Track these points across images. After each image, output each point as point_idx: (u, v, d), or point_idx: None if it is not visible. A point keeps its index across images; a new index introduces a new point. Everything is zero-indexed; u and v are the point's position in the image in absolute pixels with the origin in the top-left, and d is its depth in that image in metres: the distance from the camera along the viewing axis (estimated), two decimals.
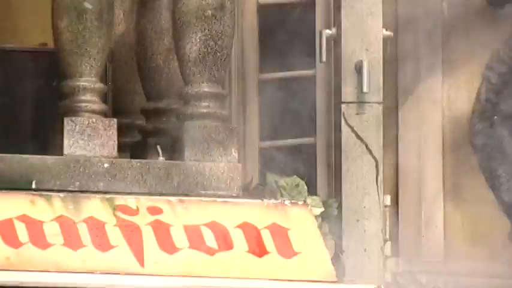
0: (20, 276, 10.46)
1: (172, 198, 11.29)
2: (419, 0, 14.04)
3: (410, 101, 13.78)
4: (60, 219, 10.89)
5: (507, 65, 13.78)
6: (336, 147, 13.10)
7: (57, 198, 11.03)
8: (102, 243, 10.94)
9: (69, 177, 11.08)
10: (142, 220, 11.07)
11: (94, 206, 11.24)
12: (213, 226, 11.40)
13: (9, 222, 10.76)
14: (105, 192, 11.12)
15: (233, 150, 12.09)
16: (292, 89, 13.89)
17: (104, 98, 11.95)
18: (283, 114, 13.93)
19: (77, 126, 11.32)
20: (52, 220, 10.79)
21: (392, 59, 13.17)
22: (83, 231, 10.92)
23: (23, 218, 10.88)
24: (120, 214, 10.95)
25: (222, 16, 11.93)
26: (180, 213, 11.34)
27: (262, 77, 13.97)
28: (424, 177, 13.99)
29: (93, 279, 10.54)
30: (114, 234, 10.97)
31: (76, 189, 10.98)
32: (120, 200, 11.12)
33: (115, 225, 11.01)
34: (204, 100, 11.61)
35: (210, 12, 11.72)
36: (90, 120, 11.45)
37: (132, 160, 11.62)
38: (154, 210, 11.37)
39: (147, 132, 12.43)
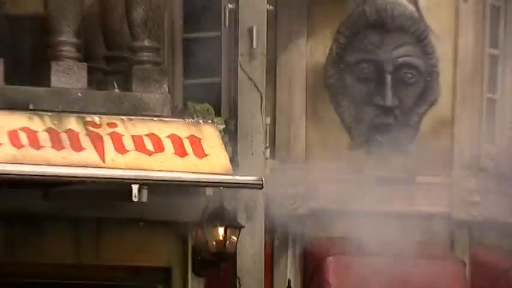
0: (22, 167, 11.54)
1: (124, 117, 12.14)
2: None
3: (284, 54, 14.49)
4: (49, 130, 11.97)
5: (350, 30, 14.53)
6: (234, 85, 14.13)
7: (46, 116, 11.95)
8: (77, 147, 11.82)
9: (55, 102, 12.11)
10: (104, 131, 11.98)
11: (71, 122, 12.16)
12: (151, 136, 12.21)
13: (14, 132, 11.78)
14: (79, 113, 11.97)
15: (165, 85, 12.74)
16: (206, 45, 14.43)
17: (79, 49, 12.69)
18: (198, 62, 14.23)
19: (60, 67, 12.27)
20: (43, 131, 11.79)
21: (273, 26, 14.31)
22: (64, 138, 11.92)
23: (24, 129, 11.86)
24: (89, 127, 12.03)
25: None
26: (129, 127, 12.22)
27: (185, 36, 14.37)
28: (293, 106, 14.78)
29: (71, 170, 11.64)
30: (85, 141, 11.86)
31: (59, 110, 11.89)
32: (88, 117, 12.07)
33: (85, 135, 11.88)
34: (145, 51, 12.31)
35: None
36: (68, 64, 12.16)
37: (97, 91, 12.45)
38: (112, 125, 12.14)
39: (107, 72, 13.01)
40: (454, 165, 15.22)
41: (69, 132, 11.61)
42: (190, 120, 12.06)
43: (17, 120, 11.60)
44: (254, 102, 13.75)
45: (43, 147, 11.27)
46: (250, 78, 13.54)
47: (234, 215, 13.06)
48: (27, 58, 14.80)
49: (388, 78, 14.59)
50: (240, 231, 12.77)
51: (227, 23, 13.98)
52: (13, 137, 11.51)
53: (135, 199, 11.34)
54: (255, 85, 13.46)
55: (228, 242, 12.84)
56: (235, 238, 12.91)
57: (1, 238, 12.67)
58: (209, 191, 12.69)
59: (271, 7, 13.80)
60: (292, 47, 14.68)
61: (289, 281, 14.67)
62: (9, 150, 11.20)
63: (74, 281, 13.45)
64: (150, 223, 12.55)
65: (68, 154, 11.40)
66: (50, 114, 11.80)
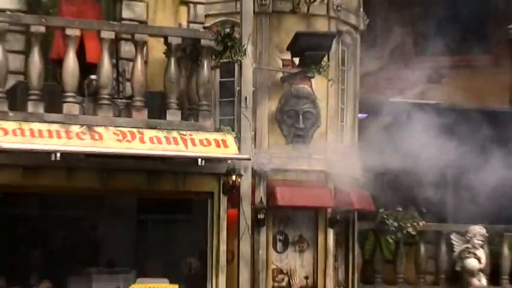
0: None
1: (195, 132, 16.38)
2: None
3: (261, 104, 19.30)
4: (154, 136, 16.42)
5: (285, 98, 19.03)
6: (238, 117, 17.76)
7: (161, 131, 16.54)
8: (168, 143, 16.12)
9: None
10: (179, 136, 16.33)
11: (174, 133, 16.20)
12: (205, 140, 16.37)
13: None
14: (179, 130, 16.21)
15: (212, 118, 17.04)
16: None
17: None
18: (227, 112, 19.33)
19: None
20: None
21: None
22: (163, 140, 16.23)
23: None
24: (177, 136, 16.33)
25: None
26: (195, 136, 16.52)
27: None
28: (263, 126, 18.99)
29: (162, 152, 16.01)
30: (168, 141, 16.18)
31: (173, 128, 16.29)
32: (179, 132, 16.45)
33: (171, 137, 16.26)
34: (205, 105, 16.74)
35: None
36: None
37: (184, 121, 16.67)
38: (185, 135, 16.27)
39: (190, 112, 16.95)
40: (327, 151, 19.25)
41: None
42: (222, 132, 16.59)
43: None
44: (246, 128, 17.57)
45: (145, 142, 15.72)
46: (245, 116, 17.55)
47: (238, 170, 16.99)
48: None
49: (300, 116, 18.95)
50: (241, 176, 17.04)
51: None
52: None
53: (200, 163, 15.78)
54: (248, 119, 17.55)
55: (236, 181, 16.75)
56: (239, 180, 16.87)
57: None
58: (230, 162, 16.73)
59: None
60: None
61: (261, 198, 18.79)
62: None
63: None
64: (205, 173, 16.66)
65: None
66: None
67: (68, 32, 15.93)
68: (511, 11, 22.80)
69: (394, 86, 24.11)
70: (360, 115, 20.98)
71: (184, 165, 16.69)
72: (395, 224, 21.12)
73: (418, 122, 20.82)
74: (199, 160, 16.02)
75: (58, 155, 14.79)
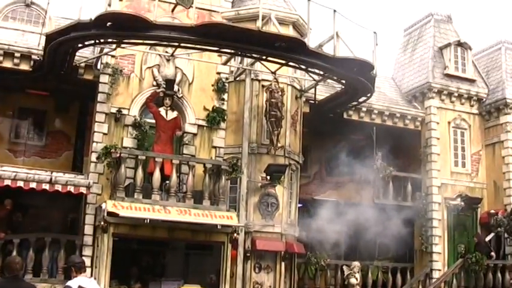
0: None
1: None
2: None
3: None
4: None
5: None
6: None
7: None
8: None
9: None
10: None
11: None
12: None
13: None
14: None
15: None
16: None
17: None
18: None
19: None
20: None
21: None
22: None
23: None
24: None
25: None
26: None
27: None
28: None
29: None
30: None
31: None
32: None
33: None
34: None
35: None
36: None
37: None
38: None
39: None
40: (282, 223, 18.96)
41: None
42: (230, 212, 17.52)
43: None
44: (242, 211, 18.32)
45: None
46: (242, 205, 18.36)
47: (237, 231, 17.56)
48: None
49: (269, 205, 18.85)
50: (238, 234, 17.71)
51: None
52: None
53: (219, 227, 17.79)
54: (243, 206, 18.43)
55: (236, 236, 17.51)
56: (237, 236, 17.58)
57: None
58: (233, 226, 17.18)
59: None
60: None
61: None
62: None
63: None
64: (221, 232, 17.04)
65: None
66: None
67: (156, 159, 17.36)
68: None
69: (317, 191, 24.46)
70: (299, 205, 20.99)
71: (210, 228, 17.26)
72: (315, 260, 21.34)
73: (326, 209, 21.46)
74: (218, 225, 17.05)
75: (148, 220, 16.10)
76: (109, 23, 15.51)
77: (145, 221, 16.15)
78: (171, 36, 16.18)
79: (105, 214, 16.31)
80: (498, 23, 52.46)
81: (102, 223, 16.51)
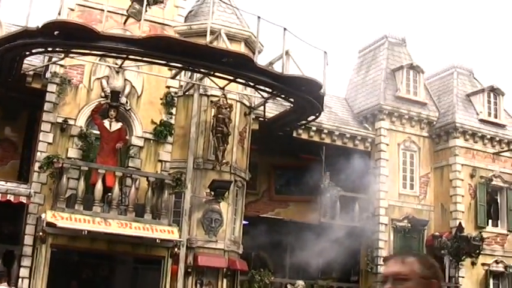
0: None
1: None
2: None
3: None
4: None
5: None
6: None
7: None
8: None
9: None
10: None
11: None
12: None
13: None
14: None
15: None
16: None
17: None
18: None
19: None
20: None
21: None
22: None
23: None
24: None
25: None
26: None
27: None
28: None
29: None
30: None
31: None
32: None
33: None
34: None
35: None
36: None
37: None
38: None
39: None
40: (226, 239, 19.21)
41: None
42: (171, 226, 17.77)
43: None
44: (184, 225, 18.62)
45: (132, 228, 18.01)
46: (185, 220, 18.39)
47: (179, 246, 17.98)
48: None
49: (213, 221, 19.09)
50: (180, 249, 18.13)
51: None
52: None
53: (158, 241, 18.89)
54: (186, 221, 18.54)
55: (177, 251, 17.87)
56: (178, 251, 17.93)
57: None
58: (174, 240, 17.70)
59: None
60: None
61: None
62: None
63: None
64: (161, 246, 17.64)
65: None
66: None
67: (99, 171, 17.52)
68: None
69: (265, 209, 24.78)
70: (244, 222, 21.24)
71: (151, 242, 17.37)
72: (259, 277, 21.61)
73: (272, 227, 21.94)
74: (157, 239, 17.20)
75: (86, 232, 16.16)
76: (56, 32, 15.64)
77: (83, 232, 16.27)
78: (118, 47, 16.45)
79: (44, 224, 16.41)
80: (452, 48, 53.52)
81: (40, 233, 16.59)
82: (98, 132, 18.55)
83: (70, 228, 16.50)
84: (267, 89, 18.83)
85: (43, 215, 16.85)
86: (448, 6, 54.29)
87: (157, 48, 16.48)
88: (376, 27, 45.09)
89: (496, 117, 26.24)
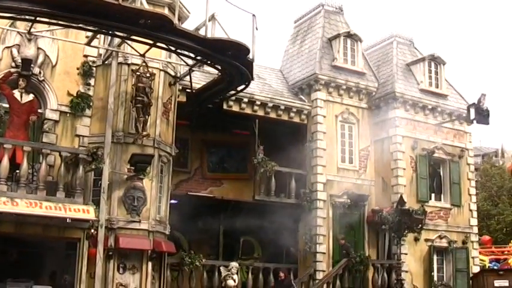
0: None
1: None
2: None
3: None
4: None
5: None
6: None
7: None
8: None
9: None
10: None
11: None
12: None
13: None
14: None
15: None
16: None
17: None
18: None
19: None
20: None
21: None
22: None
23: None
24: None
25: None
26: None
27: None
28: None
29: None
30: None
31: None
32: None
33: None
34: None
35: None
36: None
37: None
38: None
39: None
40: (150, 219, 18.06)
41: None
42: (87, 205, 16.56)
43: None
44: (103, 204, 17.26)
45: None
46: (103, 198, 17.00)
47: (96, 226, 16.76)
48: None
49: (135, 199, 17.79)
50: (97, 229, 16.82)
51: None
52: None
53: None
54: (104, 199, 17.31)
55: (93, 232, 16.71)
56: (95, 232, 16.66)
57: None
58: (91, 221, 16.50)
59: None
60: None
61: None
62: None
63: None
64: (77, 227, 16.64)
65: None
66: None
67: (5, 146, 16.11)
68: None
69: (197, 187, 23.82)
70: (172, 201, 20.18)
71: (64, 222, 16.16)
72: (189, 260, 20.49)
73: (203, 206, 20.99)
74: (68, 219, 15.94)
75: None
76: None
77: None
78: (21, 7, 14.80)
79: None
80: (391, 17, 52.70)
81: None
82: (8, 106, 17.09)
83: None
84: (190, 54, 17.53)
85: None
86: None
87: (66, 8, 14.85)
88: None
89: (437, 87, 25.61)
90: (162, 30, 15.77)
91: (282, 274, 22.10)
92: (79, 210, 16.31)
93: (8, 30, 17.59)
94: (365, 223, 23.78)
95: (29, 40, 17.99)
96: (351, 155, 24.09)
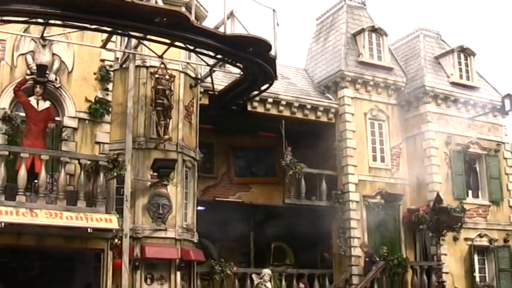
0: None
1: None
2: None
3: None
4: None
5: None
6: None
7: None
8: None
9: None
10: None
11: None
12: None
13: None
14: None
15: None
16: None
17: None
18: None
19: None
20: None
21: None
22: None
23: None
24: None
25: None
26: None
27: None
28: None
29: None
30: None
31: None
32: None
33: None
34: None
35: None
36: None
37: None
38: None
39: None
40: (176, 227, 17.32)
41: None
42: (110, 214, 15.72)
43: None
44: (126, 213, 16.42)
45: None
46: (126, 206, 16.27)
47: (120, 236, 15.90)
48: None
49: (160, 206, 17.08)
50: (121, 239, 15.85)
51: None
52: None
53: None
54: (127, 207, 16.37)
55: (117, 242, 15.76)
56: (119, 242, 15.78)
57: None
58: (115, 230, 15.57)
59: None
60: None
61: None
62: None
63: None
64: (100, 237, 15.71)
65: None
66: None
67: (22, 155, 15.40)
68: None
69: (225, 193, 23.13)
70: (199, 208, 19.51)
71: (87, 233, 15.30)
72: (220, 268, 19.62)
73: (231, 212, 20.35)
74: (89, 229, 15.15)
75: (2, 224, 14.06)
76: None
77: (1, 225, 14.11)
78: (32, 9, 14.13)
79: None
80: (415, 10, 51.50)
81: None
82: (24, 114, 16.48)
83: None
84: (210, 53, 16.72)
85: None
86: None
87: (79, 9, 14.21)
88: None
89: (468, 79, 24.52)
90: (178, 28, 15.02)
91: (302, 285, 21.28)
92: (101, 220, 15.54)
93: (21, 36, 17.23)
94: (401, 224, 22.80)
95: (44, 46, 17.50)
96: (382, 154, 23.16)
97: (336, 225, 22.35)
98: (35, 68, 17.19)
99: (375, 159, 22.96)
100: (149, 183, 17.60)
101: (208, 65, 18.55)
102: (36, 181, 15.59)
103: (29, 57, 17.37)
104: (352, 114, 22.73)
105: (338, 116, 22.81)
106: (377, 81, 23.35)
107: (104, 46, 17.18)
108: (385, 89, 23.62)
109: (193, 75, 19.36)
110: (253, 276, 20.39)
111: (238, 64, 17.41)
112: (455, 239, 22.51)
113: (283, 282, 21.14)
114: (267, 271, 20.25)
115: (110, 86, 18.17)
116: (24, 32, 16.93)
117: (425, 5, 51.69)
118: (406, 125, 23.63)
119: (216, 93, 19.80)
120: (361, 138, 22.71)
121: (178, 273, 17.52)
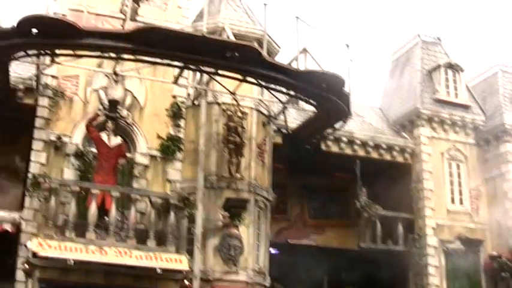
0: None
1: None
2: None
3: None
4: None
5: None
6: None
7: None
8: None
9: None
10: None
11: None
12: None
13: None
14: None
15: None
16: None
17: None
18: None
19: None
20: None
21: None
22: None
23: None
24: None
25: None
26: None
27: None
28: None
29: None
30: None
31: None
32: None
33: None
34: None
35: None
36: None
37: None
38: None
39: None
40: (248, 269, 16.89)
41: None
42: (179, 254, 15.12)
43: None
44: (197, 253, 16.03)
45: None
46: (197, 247, 15.84)
47: (190, 278, 15.38)
48: None
49: (232, 248, 16.67)
50: (191, 281, 15.46)
51: None
52: None
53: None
54: (198, 248, 15.95)
55: (188, 284, 15.23)
56: (190, 284, 15.28)
57: None
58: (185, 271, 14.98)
59: None
60: None
61: None
62: None
63: None
64: (169, 278, 14.89)
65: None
66: None
67: (93, 191, 15.17)
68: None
69: (299, 235, 22.26)
70: (273, 250, 18.98)
71: (156, 273, 14.72)
72: None
73: (304, 255, 19.75)
74: (158, 269, 14.64)
75: (71, 261, 13.88)
76: (34, 30, 13.60)
77: (69, 262, 13.78)
78: (104, 44, 14.28)
79: (30, 255, 14.16)
80: (491, 45, 50.03)
81: (26, 265, 14.27)
82: (95, 150, 16.23)
83: (58, 259, 14.00)
84: (282, 89, 16.29)
85: (28, 243, 14.49)
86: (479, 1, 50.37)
87: (149, 43, 14.19)
88: (408, 31, 41.15)
89: None
90: (250, 63, 14.72)
91: None
92: (171, 260, 15.02)
93: (94, 71, 17.18)
94: (481, 271, 21.64)
95: (116, 82, 17.42)
96: (461, 196, 22.15)
97: (413, 271, 21.34)
98: (107, 103, 17.09)
99: (453, 201, 21.99)
100: (221, 223, 17.18)
101: (281, 101, 18.15)
102: (106, 218, 15.34)
103: (102, 93, 17.40)
104: (429, 154, 21.92)
105: (414, 155, 21.99)
106: (454, 119, 22.53)
107: (175, 81, 16.92)
108: (463, 127, 22.75)
109: (266, 112, 18.98)
110: None
111: (311, 101, 16.93)
112: None
113: None
114: None
115: (181, 123, 17.95)
116: (97, 67, 16.94)
117: (502, 37, 50.03)
118: (485, 165, 22.59)
119: (290, 132, 19.39)
120: (439, 180, 21.83)
121: None
